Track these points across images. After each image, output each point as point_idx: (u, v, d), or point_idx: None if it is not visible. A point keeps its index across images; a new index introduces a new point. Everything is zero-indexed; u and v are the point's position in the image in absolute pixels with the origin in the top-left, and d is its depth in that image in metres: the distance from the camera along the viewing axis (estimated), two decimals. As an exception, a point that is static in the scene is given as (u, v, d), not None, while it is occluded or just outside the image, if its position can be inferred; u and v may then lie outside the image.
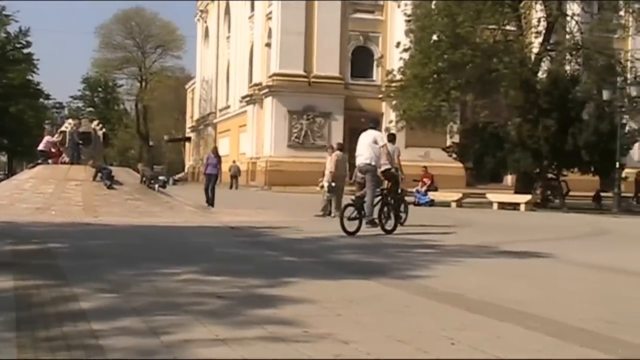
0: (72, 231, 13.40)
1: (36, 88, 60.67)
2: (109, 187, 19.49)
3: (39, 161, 21.71)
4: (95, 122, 23.04)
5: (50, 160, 21.47)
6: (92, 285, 6.73)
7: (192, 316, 5.38)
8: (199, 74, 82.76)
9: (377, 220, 14.09)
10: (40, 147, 21.76)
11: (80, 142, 20.97)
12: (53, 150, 21.48)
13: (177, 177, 65.60)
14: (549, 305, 6.41)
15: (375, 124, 15.40)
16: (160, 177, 25.59)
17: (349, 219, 13.61)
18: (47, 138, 21.77)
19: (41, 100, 63.88)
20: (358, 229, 13.58)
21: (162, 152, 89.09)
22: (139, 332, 4.84)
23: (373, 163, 14.14)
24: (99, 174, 19.80)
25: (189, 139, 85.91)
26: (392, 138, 17.17)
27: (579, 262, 10.28)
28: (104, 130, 22.88)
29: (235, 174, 49.54)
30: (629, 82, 33.88)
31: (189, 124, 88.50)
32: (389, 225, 14.33)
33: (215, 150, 25.83)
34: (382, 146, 14.27)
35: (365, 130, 14.68)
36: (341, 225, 13.41)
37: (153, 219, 16.83)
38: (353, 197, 14.71)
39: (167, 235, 13.46)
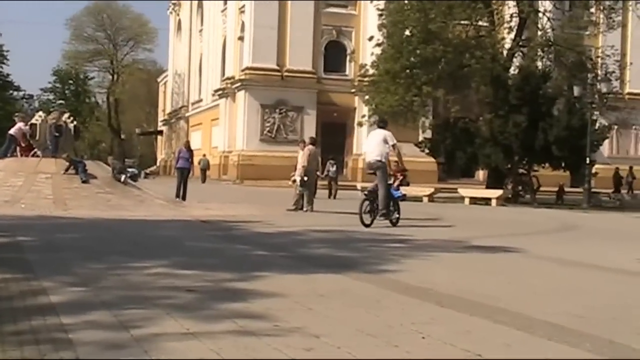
0: (42, 224, 13.27)
1: (5, 80, 60.04)
2: (84, 182, 19.25)
3: (6, 150, 21.24)
4: (66, 115, 22.76)
5: (18, 149, 21.10)
6: (61, 278, 6.67)
7: (162, 310, 5.35)
8: (171, 67, 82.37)
9: (387, 214, 15.06)
10: (12, 131, 21.33)
11: (57, 134, 20.73)
12: (23, 145, 21.14)
13: (148, 170, 65.30)
14: (519, 299, 6.45)
15: (385, 123, 16.02)
16: (130, 169, 25.42)
17: (365, 212, 14.75)
18: (20, 124, 21.34)
19: (10, 91, 63.16)
20: (372, 222, 14.71)
21: (134, 145, 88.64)
22: (108, 325, 4.80)
23: (383, 160, 15.05)
24: (71, 168, 19.59)
25: (160, 132, 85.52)
26: None
27: (549, 257, 10.36)
28: (74, 123, 22.63)
29: (204, 168, 49.36)
30: (599, 78, 34.22)
31: (160, 117, 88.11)
32: (394, 218, 15.29)
33: (187, 144, 25.73)
34: (392, 145, 15.10)
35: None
36: (360, 218, 14.53)
37: (124, 212, 16.72)
38: (366, 192, 15.63)
39: (137, 229, 13.37)
